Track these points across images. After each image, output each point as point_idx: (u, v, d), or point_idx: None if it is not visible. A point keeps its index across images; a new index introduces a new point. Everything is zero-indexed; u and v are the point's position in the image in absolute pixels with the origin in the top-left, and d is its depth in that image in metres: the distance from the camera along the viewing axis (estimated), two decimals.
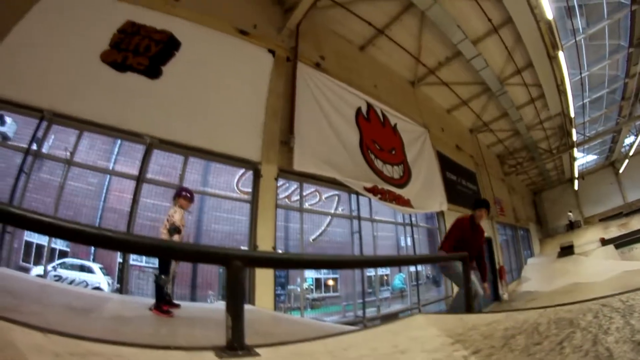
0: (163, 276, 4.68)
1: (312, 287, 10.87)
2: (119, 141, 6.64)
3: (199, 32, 7.37)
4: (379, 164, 10.52)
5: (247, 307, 6.16)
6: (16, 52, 5.18)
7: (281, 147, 8.05)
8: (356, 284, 9.73)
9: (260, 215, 7.24)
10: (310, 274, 10.77)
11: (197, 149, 6.93)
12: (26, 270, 7.38)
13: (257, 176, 7.56)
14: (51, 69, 5.47)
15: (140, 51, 6.40)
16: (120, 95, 6.07)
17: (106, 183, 6.71)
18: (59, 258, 11.40)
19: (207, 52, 7.44)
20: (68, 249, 12.22)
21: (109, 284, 9.57)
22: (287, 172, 8.11)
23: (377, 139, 10.82)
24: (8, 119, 5.76)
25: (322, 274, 11.44)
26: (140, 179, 6.28)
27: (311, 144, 8.49)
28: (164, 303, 4.65)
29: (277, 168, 7.85)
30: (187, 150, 6.87)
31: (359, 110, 10.50)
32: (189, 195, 5.26)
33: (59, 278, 10.65)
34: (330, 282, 11.55)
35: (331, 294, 11.39)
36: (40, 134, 5.46)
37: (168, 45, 6.77)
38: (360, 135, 10.15)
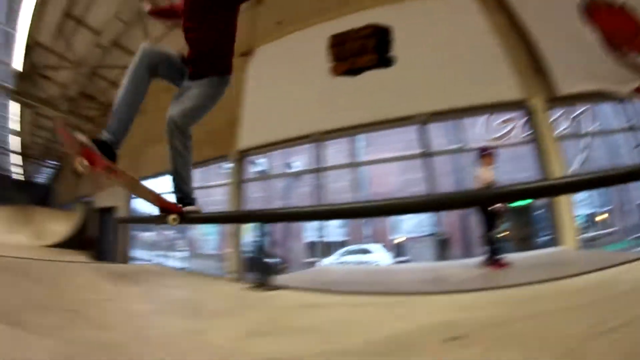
0: (494, 231, 5.01)
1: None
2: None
3: (395, 11, 7.50)
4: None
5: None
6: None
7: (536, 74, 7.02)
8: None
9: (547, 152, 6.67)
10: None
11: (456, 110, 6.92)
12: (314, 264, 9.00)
13: (530, 113, 6.95)
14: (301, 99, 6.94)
15: (361, 51, 7.07)
16: (369, 91, 6.81)
17: None
18: (339, 248, 13.42)
19: (415, 22, 7.46)
20: (347, 238, 14.37)
21: (389, 258, 10.66)
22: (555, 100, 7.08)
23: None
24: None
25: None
26: (426, 155, 6.87)
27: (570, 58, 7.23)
28: (496, 257, 4.95)
29: (542, 99, 6.91)
30: (456, 113, 7.10)
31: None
32: (492, 152, 5.39)
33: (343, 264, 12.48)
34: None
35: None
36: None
37: (379, 35, 7.21)
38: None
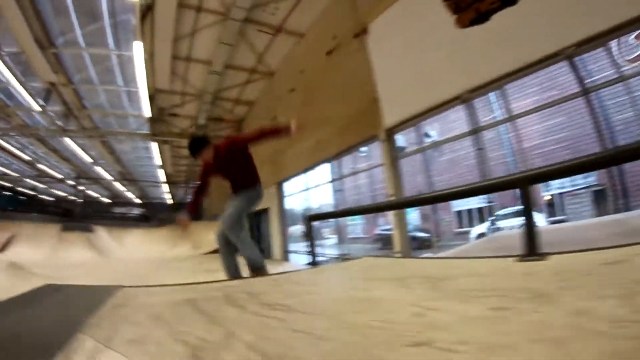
0: None
1: None
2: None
3: None
4: None
5: None
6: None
7: None
8: None
9: None
10: None
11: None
12: (466, 234, 8.63)
13: None
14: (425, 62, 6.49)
15: None
16: (506, 38, 6.09)
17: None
18: (488, 216, 12.59)
19: None
20: (493, 203, 13.51)
21: (542, 219, 9.81)
22: None
23: None
24: None
25: None
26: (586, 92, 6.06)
27: None
28: None
29: None
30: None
31: None
32: None
33: (498, 229, 11.70)
34: None
35: None
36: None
37: None
38: None
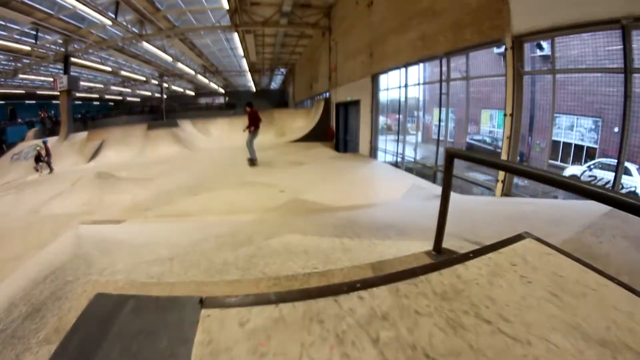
0: None
1: None
2: None
3: None
4: None
5: None
6: None
7: None
8: None
9: None
10: None
11: None
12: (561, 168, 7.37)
13: None
14: None
15: None
16: None
17: None
18: (589, 158, 10.71)
19: None
20: (596, 146, 11.38)
21: None
22: None
23: None
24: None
25: None
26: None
27: None
28: None
29: None
30: None
31: None
32: None
33: (594, 178, 10.07)
34: None
35: None
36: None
37: None
38: None
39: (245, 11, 16.86)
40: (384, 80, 11.74)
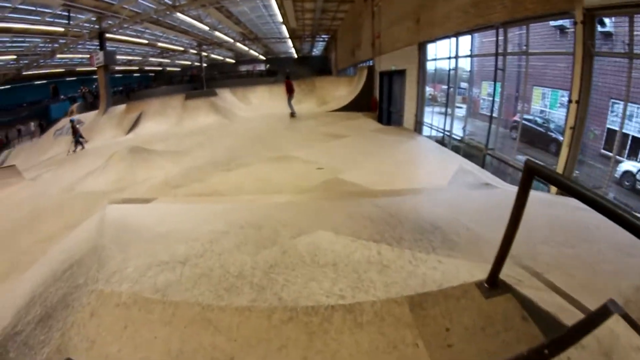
0: None
1: None
2: None
3: None
4: None
5: None
6: None
7: None
8: None
9: None
10: None
11: None
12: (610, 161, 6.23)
13: None
14: None
15: None
16: None
17: None
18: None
19: None
20: None
21: None
22: None
23: None
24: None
25: None
26: None
27: None
28: None
29: None
30: None
31: None
32: None
33: None
34: None
35: None
36: None
37: None
38: None
39: None
40: (432, 49, 10.90)
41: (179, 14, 20.13)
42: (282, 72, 28.79)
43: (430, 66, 11.30)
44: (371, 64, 17.50)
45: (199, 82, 30.22)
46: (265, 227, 3.73)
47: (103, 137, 18.06)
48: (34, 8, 17.77)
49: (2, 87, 29.98)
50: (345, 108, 16.95)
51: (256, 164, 8.54)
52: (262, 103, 21.00)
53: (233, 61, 48.06)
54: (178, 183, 7.54)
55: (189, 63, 44.79)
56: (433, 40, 10.52)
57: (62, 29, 20.97)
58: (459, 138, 9.73)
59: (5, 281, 4.63)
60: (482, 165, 7.87)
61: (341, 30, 29.46)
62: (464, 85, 11.65)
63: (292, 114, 16.28)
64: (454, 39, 9.33)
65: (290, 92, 16.68)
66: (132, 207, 5.46)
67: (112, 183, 8.49)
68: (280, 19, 24.05)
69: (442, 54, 10.30)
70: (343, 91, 19.94)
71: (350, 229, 3.39)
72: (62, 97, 35.67)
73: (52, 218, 6.96)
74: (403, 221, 3.60)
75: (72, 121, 17.46)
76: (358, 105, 16.74)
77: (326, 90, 20.38)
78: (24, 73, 29.99)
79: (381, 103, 15.64)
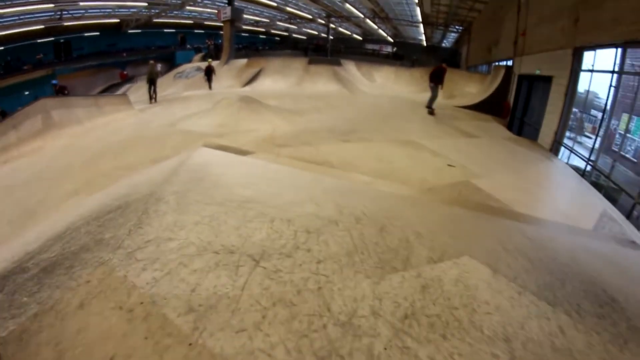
0: None
1: None
2: None
3: None
4: None
5: None
6: None
7: None
8: None
9: None
10: None
11: None
12: None
13: None
14: None
15: None
16: None
17: None
18: None
19: None
20: None
21: None
22: None
23: None
24: None
25: None
26: None
27: None
28: None
29: None
30: None
31: None
32: None
33: None
34: None
35: None
36: None
37: None
38: None
39: None
40: (590, 57, 9.41)
41: None
42: (408, 58, 27.94)
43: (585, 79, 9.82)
44: (509, 64, 16.04)
45: (324, 52, 30.62)
46: (391, 229, 2.98)
47: (220, 85, 19.29)
48: None
49: (135, 31, 35.34)
50: (474, 107, 15.76)
51: (378, 141, 8.06)
52: (386, 84, 20.72)
53: (360, 38, 48.13)
54: (284, 142, 7.24)
55: (316, 33, 45.75)
56: (593, 47, 9.05)
57: None
58: (602, 173, 8.39)
59: (71, 198, 4.81)
60: (628, 215, 6.57)
61: (477, 23, 27.71)
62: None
63: (430, 109, 13.04)
64: (618, 49, 7.88)
65: (437, 80, 13.03)
66: (222, 154, 5.30)
67: (214, 127, 8.60)
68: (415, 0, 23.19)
69: (600, 65, 8.85)
70: (473, 88, 18.82)
71: (508, 267, 2.65)
72: (188, 46, 39.82)
73: (142, 149, 7.26)
74: (569, 274, 2.84)
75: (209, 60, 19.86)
76: (488, 106, 15.51)
77: (455, 83, 19.11)
78: (155, 20, 34.68)
79: (514, 109, 14.35)
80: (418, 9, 26.13)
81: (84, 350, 1.80)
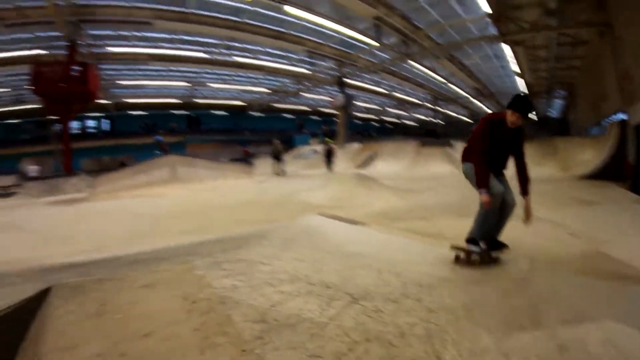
0: None
1: None
2: None
3: None
4: None
5: None
6: None
7: None
8: None
9: None
10: None
11: None
12: None
13: None
14: None
15: None
16: None
17: None
18: None
19: None
20: None
21: None
22: None
23: None
24: None
25: None
26: None
27: None
28: None
29: None
30: None
31: None
32: None
33: None
34: None
35: None
36: None
37: None
38: None
39: (509, 18, 16.46)
40: None
41: (412, 63, 22.97)
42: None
43: None
44: (622, 117, 14.46)
45: (435, 137, 32.41)
46: (514, 294, 2.73)
47: (336, 167, 20.49)
48: (282, 53, 24.42)
49: (257, 114, 43.38)
50: (590, 176, 13.84)
51: None
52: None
53: (468, 120, 49.21)
54: (398, 216, 7.19)
55: (425, 118, 48.16)
56: None
57: (307, 72, 27.30)
58: None
59: (184, 236, 5.34)
60: None
61: (578, 82, 26.77)
62: None
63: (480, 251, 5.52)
64: None
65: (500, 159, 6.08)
66: (335, 222, 5.22)
67: (329, 200, 9.16)
68: (512, 67, 24.39)
69: None
70: (588, 155, 17.03)
71: None
72: (304, 130, 45.08)
73: (256, 210, 8.26)
74: None
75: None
76: (606, 171, 13.56)
77: (569, 152, 18.12)
78: (275, 105, 41.42)
79: (638, 168, 12.25)
80: (521, 80, 27.06)
81: (122, 317, 2.01)
